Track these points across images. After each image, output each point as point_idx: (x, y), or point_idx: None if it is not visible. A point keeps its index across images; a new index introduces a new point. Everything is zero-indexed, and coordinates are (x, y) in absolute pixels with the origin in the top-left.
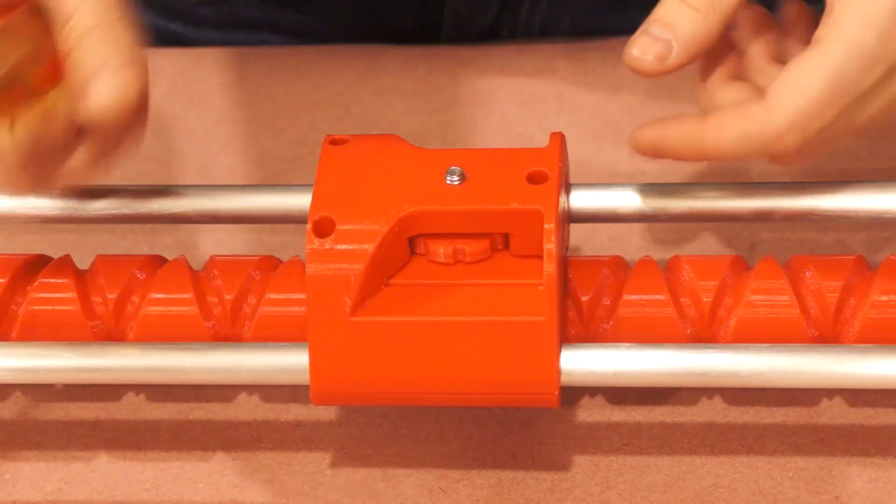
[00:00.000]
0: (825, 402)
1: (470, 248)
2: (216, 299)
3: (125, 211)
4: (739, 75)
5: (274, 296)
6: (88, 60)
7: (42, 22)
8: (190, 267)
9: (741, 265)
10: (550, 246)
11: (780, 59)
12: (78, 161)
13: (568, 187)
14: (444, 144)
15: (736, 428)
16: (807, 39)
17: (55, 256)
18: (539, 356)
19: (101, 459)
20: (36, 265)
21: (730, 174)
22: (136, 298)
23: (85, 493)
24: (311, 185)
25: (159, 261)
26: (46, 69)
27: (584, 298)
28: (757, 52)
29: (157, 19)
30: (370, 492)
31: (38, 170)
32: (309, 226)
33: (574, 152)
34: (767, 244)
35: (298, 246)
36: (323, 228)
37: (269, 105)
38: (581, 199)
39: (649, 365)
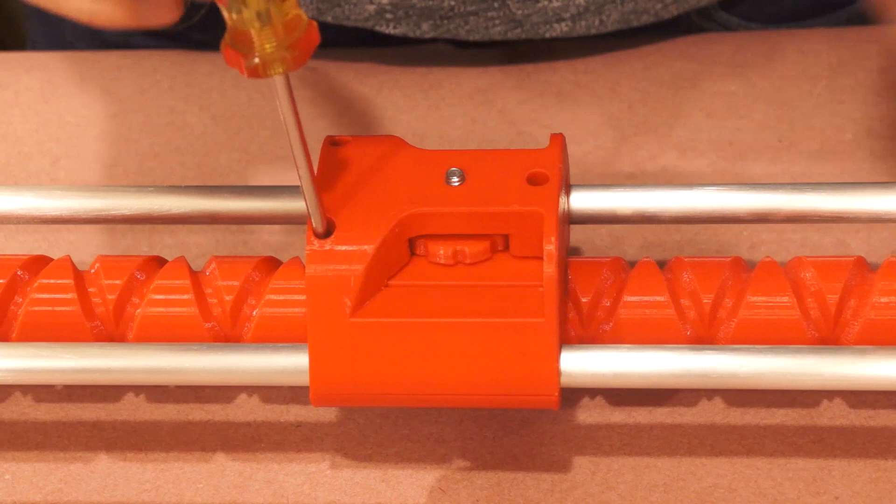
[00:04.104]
0: (825, 402)
1: (470, 249)
2: (216, 300)
3: (125, 211)
4: None
5: (274, 297)
6: None
7: None
8: (190, 267)
9: (741, 266)
10: (550, 247)
11: None
12: None
13: (568, 188)
14: (444, 143)
15: (736, 428)
16: None
17: (55, 256)
18: (539, 357)
19: (101, 460)
20: (36, 265)
21: (730, 174)
22: (136, 299)
23: (85, 494)
24: None
25: (159, 261)
26: None
27: (584, 300)
28: None
29: (148, 41)
30: (370, 492)
31: None
32: (308, 227)
33: (574, 151)
34: (767, 245)
35: (298, 246)
36: (323, 229)
37: (268, 104)
38: (581, 200)
39: (649, 366)
